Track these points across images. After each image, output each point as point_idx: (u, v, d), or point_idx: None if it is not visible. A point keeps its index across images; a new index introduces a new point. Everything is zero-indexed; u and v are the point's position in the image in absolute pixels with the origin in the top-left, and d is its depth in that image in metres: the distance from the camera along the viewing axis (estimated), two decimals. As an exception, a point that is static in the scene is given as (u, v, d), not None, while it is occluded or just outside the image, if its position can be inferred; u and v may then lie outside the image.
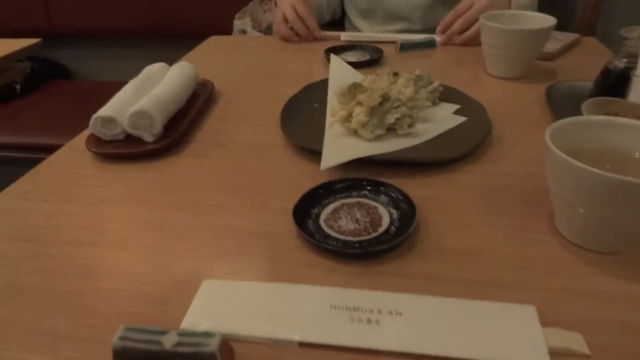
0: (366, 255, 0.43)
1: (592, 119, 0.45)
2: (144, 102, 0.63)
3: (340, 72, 0.80)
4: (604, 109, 0.60)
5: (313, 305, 0.38)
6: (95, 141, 0.64)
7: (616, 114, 0.59)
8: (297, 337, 0.35)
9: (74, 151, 0.65)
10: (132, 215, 0.51)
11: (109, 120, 0.63)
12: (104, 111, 0.63)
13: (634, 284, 0.40)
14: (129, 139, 0.64)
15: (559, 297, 0.39)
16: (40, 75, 1.91)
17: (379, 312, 0.37)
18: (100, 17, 1.88)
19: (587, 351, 0.34)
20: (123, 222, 0.50)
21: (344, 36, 1.07)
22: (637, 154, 0.43)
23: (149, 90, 0.69)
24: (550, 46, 0.88)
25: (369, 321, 0.36)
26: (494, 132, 0.63)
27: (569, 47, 0.94)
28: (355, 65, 0.87)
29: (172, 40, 1.72)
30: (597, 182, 0.38)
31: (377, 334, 0.35)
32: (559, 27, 0.78)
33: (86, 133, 0.66)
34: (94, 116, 0.63)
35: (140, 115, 0.62)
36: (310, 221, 0.47)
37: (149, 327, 0.34)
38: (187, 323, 0.37)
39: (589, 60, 0.89)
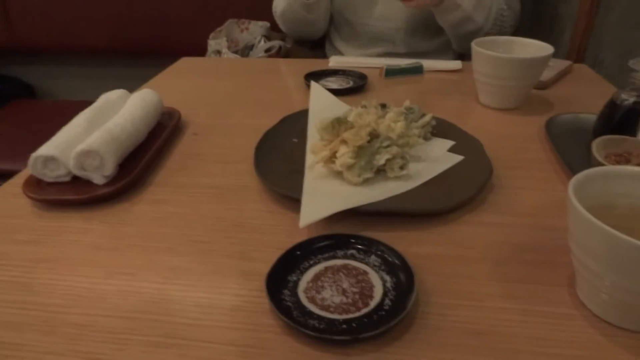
0: (355, 341, 0.35)
1: (623, 170, 0.38)
2: (94, 139, 0.54)
3: (321, 102, 0.73)
4: (615, 148, 0.55)
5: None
6: (35, 183, 0.55)
7: (629, 154, 0.54)
8: None
9: (9, 195, 0.55)
10: (67, 284, 0.42)
11: (51, 160, 0.54)
12: (45, 149, 0.54)
13: (683, 378, 0.33)
14: (77, 181, 0.55)
15: (595, 398, 0.31)
16: (1, 93, 1.79)
17: None
18: (68, 32, 1.76)
19: None
20: (55, 293, 0.41)
21: (333, 61, 0.99)
22: (677, 215, 0.36)
23: (103, 122, 0.60)
24: (544, 74, 0.83)
25: None
26: (493, 173, 0.56)
27: (561, 75, 0.89)
28: (338, 92, 0.80)
29: (144, 59, 1.63)
30: (629, 251, 0.31)
31: None
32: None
33: (26, 173, 0.57)
34: (33, 155, 0.53)
35: (87, 154, 0.53)
36: (286, 292, 0.39)
37: None
38: None
39: (583, 89, 0.84)
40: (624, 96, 0.60)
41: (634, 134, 0.56)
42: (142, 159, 0.59)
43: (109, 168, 0.54)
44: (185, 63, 1.05)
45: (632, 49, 0.59)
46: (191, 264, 0.44)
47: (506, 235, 0.47)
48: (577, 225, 0.35)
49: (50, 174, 0.55)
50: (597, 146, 0.54)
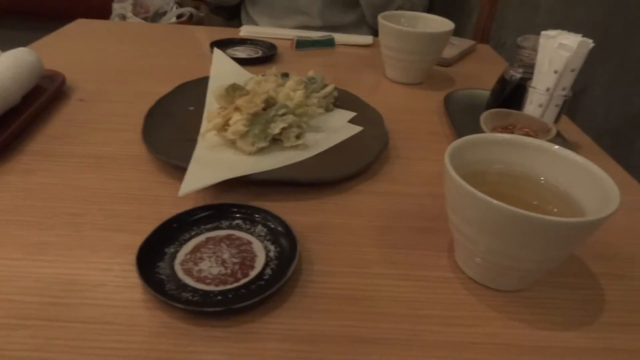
0: (230, 312, 0.33)
1: (495, 137, 0.40)
2: (-55, 100, 0.47)
3: (223, 70, 0.69)
4: (502, 121, 0.57)
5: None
6: None
7: (513, 126, 0.56)
8: None
9: None
10: None
11: None
12: None
13: (542, 330, 0.35)
14: None
15: (459, 356, 0.32)
16: None
17: (238, 401, 0.27)
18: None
19: None
20: None
21: (244, 31, 0.95)
22: (542, 179, 0.38)
23: (-37, 83, 0.53)
24: (448, 52, 0.85)
25: (222, 417, 0.26)
26: (390, 144, 0.57)
27: (465, 54, 0.92)
28: (245, 62, 0.76)
29: (38, 23, 1.47)
30: (498, 215, 0.32)
31: None
32: (454, 33, 0.74)
33: None
34: None
35: (-63, 117, 0.46)
36: (161, 265, 0.36)
37: None
38: None
39: (484, 68, 0.88)
40: (512, 72, 0.63)
41: (520, 108, 0.59)
42: (12, 125, 0.53)
43: (-33, 134, 0.48)
44: (80, 25, 0.96)
45: (530, 31, 0.62)
46: (57, 238, 0.40)
47: (395, 204, 0.47)
48: (451, 191, 0.36)
49: None
50: (485, 119, 0.56)
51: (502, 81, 0.64)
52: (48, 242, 0.39)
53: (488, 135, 0.40)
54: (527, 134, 0.55)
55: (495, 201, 0.32)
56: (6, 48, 0.63)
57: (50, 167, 0.49)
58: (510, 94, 0.62)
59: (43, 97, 0.60)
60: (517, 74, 0.62)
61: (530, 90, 0.58)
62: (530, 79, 0.59)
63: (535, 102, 0.57)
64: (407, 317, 0.35)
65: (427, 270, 0.39)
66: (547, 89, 0.56)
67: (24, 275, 0.36)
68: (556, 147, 0.38)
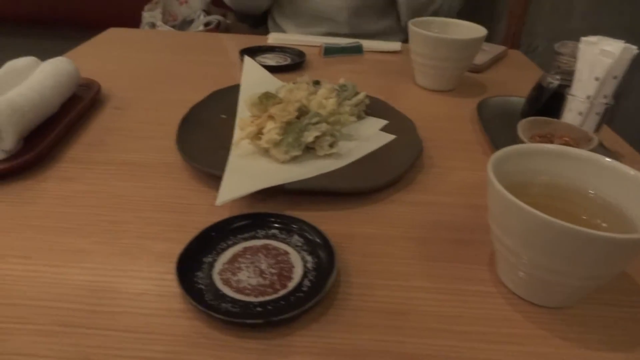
0: (270, 324, 0.33)
1: (541, 148, 0.38)
2: (-10, 109, 0.48)
3: (254, 77, 0.70)
4: (540, 129, 0.55)
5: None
6: None
7: (552, 135, 0.55)
8: None
9: None
10: (-52, 270, 0.37)
11: (-61, 131, 0.48)
12: None
13: (590, 350, 0.33)
14: (-29, 155, 0.49)
15: (506, 373, 0.31)
16: None
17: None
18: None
19: None
20: None
21: (272, 38, 0.96)
22: (591, 192, 0.37)
23: (5, 92, 0.54)
24: (479, 58, 0.84)
25: None
26: (424, 153, 0.56)
27: (496, 60, 0.90)
28: (274, 69, 0.76)
29: (71, 31, 1.51)
30: (543, 228, 0.31)
31: None
32: (484, 39, 0.73)
33: None
34: None
35: (-18, 126, 0.47)
36: (200, 274, 0.36)
37: None
38: None
39: (517, 74, 0.86)
40: (549, 79, 0.61)
41: (558, 116, 0.57)
42: (51, 133, 0.54)
43: (10, 142, 0.49)
44: (112, 34, 0.98)
45: (562, 37, 0.61)
46: (97, 246, 0.40)
47: (432, 215, 0.46)
48: (495, 202, 0.35)
49: (-61, 147, 0.48)
50: (523, 127, 0.54)
51: (539, 88, 0.62)
52: (87, 250, 0.40)
53: (533, 146, 0.39)
54: (566, 143, 0.53)
55: (541, 214, 0.31)
56: (41, 57, 0.65)
57: (87, 174, 0.50)
58: (548, 102, 0.61)
59: (80, 105, 0.61)
60: (554, 81, 0.61)
61: (570, 97, 0.56)
62: (568, 86, 0.57)
63: (575, 110, 0.55)
64: (449, 333, 0.34)
65: (468, 284, 0.38)
66: (588, 97, 0.55)
67: (65, 282, 0.36)
68: (607, 159, 0.36)
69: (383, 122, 0.60)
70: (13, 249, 0.39)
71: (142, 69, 0.80)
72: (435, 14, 1.04)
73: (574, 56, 0.57)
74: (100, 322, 0.33)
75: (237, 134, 0.54)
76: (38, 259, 0.38)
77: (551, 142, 0.54)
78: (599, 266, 0.32)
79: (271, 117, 0.51)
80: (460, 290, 0.38)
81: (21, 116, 0.50)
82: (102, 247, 0.40)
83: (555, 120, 0.56)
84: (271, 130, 0.49)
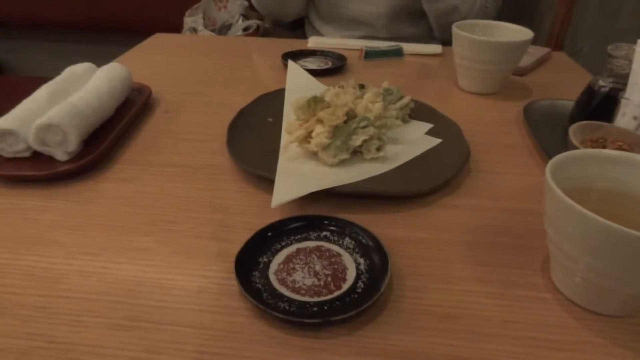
0: (327, 324, 0.34)
1: (600, 153, 0.38)
2: (55, 113, 0.51)
3: (298, 82, 0.71)
4: (592, 134, 0.54)
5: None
6: (-8, 158, 0.52)
7: (605, 139, 0.54)
8: None
9: (-37, 171, 0.52)
10: (22, 264, 0.39)
11: (9, 134, 0.51)
12: (2, 122, 0.51)
13: (652, 361, 0.33)
14: (37, 156, 0.52)
15: (565, 381, 0.31)
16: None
17: (344, 414, 0.28)
18: (39, 5, 1.68)
19: None
20: (8, 273, 0.38)
21: (312, 42, 0.97)
22: (653, 200, 0.36)
23: (66, 96, 0.57)
24: (523, 60, 0.83)
25: None
26: (470, 157, 0.55)
27: (540, 62, 0.89)
28: (316, 73, 0.78)
29: (117, 36, 1.57)
30: (604, 234, 0.31)
31: None
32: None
33: (-18, 148, 0.53)
34: (-11, 128, 0.50)
35: (48, 128, 0.50)
36: (257, 273, 0.38)
37: None
38: None
39: (562, 77, 0.84)
40: (601, 82, 0.60)
41: (610, 121, 0.56)
42: (109, 135, 0.56)
43: (72, 144, 0.51)
44: (158, 39, 1.01)
45: (610, 38, 0.59)
46: (157, 245, 0.42)
47: (481, 219, 0.46)
48: (553, 207, 0.35)
49: (8, 149, 0.51)
50: (574, 131, 0.53)
51: (589, 92, 0.61)
52: (149, 248, 0.42)
53: (591, 151, 0.38)
54: (620, 148, 0.52)
55: (600, 218, 0.30)
56: (92, 61, 0.68)
57: (143, 175, 0.52)
58: (599, 106, 0.59)
59: (133, 109, 0.64)
60: (606, 84, 0.59)
61: (623, 101, 0.55)
62: (622, 89, 0.56)
63: (629, 115, 0.54)
64: (505, 338, 0.34)
65: (522, 290, 0.38)
66: (643, 101, 0.53)
67: (130, 278, 0.38)
68: (670, 164, 0.35)
69: (428, 126, 0.60)
70: (82, 246, 0.41)
71: (188, 73, 0.82)
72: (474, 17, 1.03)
73: (628, 59, 0.56)
74: (166, 318, 0.35)
75: (285, 137, 0.55)
76: (104, 256, 0.40)
77: (604, 146, 0.53)
78: (660, 275, 0.32)
79: (320, 121, 0.52)
80: (514, 295, 0.37)
81: (83, 119, 0.53)
82: (162, 246, 0.42)
83: (607, 124, 0.55)
84: (320, 134, 0.50)
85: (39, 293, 0.37)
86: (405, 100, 0.61)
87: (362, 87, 0.62)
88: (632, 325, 0.35)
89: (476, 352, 0.33)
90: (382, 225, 0.44)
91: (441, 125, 0.60)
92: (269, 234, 0.40)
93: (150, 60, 0.89)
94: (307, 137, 0.52)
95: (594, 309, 0.36)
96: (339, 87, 0.62)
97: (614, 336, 0.34)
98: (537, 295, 0.38)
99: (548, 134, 0.60)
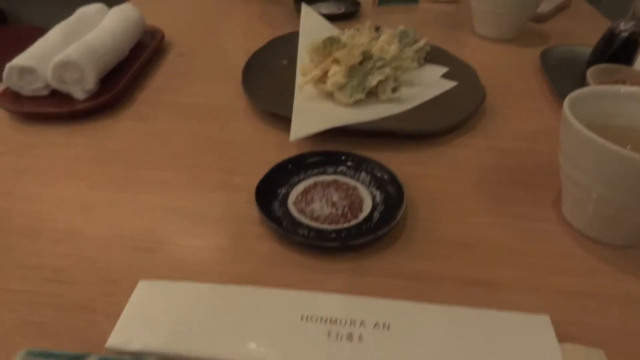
0: (345, 248, 0.35)
1: (618, 90, 0.38)
2: (72, 51, 0.51)
3: (312, 26, 0.70)
4: (610, 77, 0.54)
5: (279, 317, 0.30)
6: (12, 96, 0.52)
7: (623, 82, 0.53)
8: (259, 359, 0.28)
9: (-16, 108, 0.53)
10: (51, 193, 0.41)
11: (27, 71, 0.51)
12: (21, 59, 0.51)
13: (657, 286, 0.34)
14: (55, 95, 0.53)
15: (571, 302, 0.33)
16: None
17: (362, 324, 0.29)
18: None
19: (612, 373, 0.28)
20: (39, 201, 0.40)
21: None
22: (669, 134, 0.36)
23: (80, 36, 0.57)
24: (542, 7, 0.81)
25: (349, 337, 0.29)
26: (486, 100, 0.55)
27: (560, 9, 0.86)
28: (330, 18, 0.76)
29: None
30: (620, 163, 0.31)
31: (361, 353, 0.28)
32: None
33: (1, 87, 0.54)
34: (9, 65, 0.51)
35: (66, 66, 0.50)
36: (276, 203, 0.39)
37: (60, 350, 0.26)
38: (115, 339, 0.29)
39: (581, 24, 0.82)
40: (622, 26, 0.59)
41: (629, 64, 0.55)
42: (125, 75, 0.57)
43: (90, 82, 0.52)
44: (168, -16, 0.99)
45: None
46: (177, 178, 0.43)
47: (494, 159, 0.47)
48: (569, 138, 0.35)
49: (27, 87, 0.52)
50: (592, 74, 0.53)
51: (609, 36, 0.60)
52: (170, 181, 0.43)
53: (609, 87, 0.38)
54: (638, 91, 0.51)
55: (615, 146, 0.31)
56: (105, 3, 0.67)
57: (159, 115, 0.53)
58: (618, 50, 0.58)
59: (147, 50, 0.64)
60: (627, 28, 0.58)
61: (644, 43, 0.54)
62: (643, 32, 0.55)
63: (649, 57, 0.53)
64: (515, 264, 0.35)
65: (533, 222, 0.39)
66: (664, 43, 0.52)
67: (154, 207, 0.40)
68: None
69: (443, 69, 0.60)
70: (105, 178, 0.43)
71: (201, 17, 0.82)
72: None
73: (651, 0, 0.54)
74: (189, 242, 0.36)
75: (300, 78, 0.55)
76: (127, 187, 0.42)
77: (621, 89, 0.52)
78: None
79: (336, 61, 0.52)
80: (525, 227, 0.39)
81: (99, 58, 0.54)
82: (182, 179, 0.43)
83: (626, 67, 0.54)
84: (336, 74, 0.50)
85: (68, 219, 0.38)
86: (421, 43, 0.61)
87: (377, 29, 0.62)
88: (638, 254, 0.36)
89: (486, 275, 0.34)
90: (397, 162, 0.45)
91: (457, 69, 0.60)
92: (289, 166, 0.41)
93: (162, 3, 0.87)
94: (322, 78, 0.52)
95: (604, 239, 0.37)
96: (355, 29, 0.61)
97: (621, 264, 0.36)
98: (548, 227, 0.39)
99: (565, 79, 0.60)
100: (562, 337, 0.29)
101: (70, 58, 0.50)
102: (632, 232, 0.36)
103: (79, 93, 0.52)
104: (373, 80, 0.51)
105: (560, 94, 0.56)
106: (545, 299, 0.33)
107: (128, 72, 0.57)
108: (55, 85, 0.52)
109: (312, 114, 0.49)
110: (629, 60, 0.56)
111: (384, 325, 0.29)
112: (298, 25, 0.71)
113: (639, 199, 0.33)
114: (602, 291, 0.33)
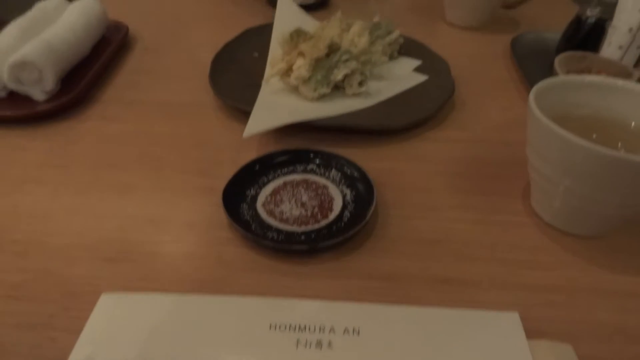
0: (314, 250, 0.35)
1: (583, 80, 0.38)
2: (28, 50, 0.49)
3: (288, 17, 0.68)
4: (577, 65, 0.54)
5: (247, 327, 0.29)
6: (-34, 100, 0.50)
7: (589, 70, 0.54)
8: (226, 371, 0.27)
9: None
10: (9, 201, 0.39)
11: (-19, 73, 0.49)
12: (-27, 60, 0.49)
13: (622, 275, 0.34)
14: (14, 96, 0.51)
15: (540, 296, 0.33)
16: None
17: (332, 330, 0.29)
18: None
19: (579, 367, 0.28)
20: (-4, 211, 0.38)
21: None
22: (633, 124, 0.37)
23: (38, 33, 0.54)
24: (512, -8, 0.80)
25: (319, 344, 0.28)
26: (456, 91, 0.55)
27: (530, -6, 0.86)
28: (304, 9, 0.74)
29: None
30: (585, 156, 0.32)
31: (330, 360, 0.28)
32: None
33: (-45, 89, 0.52)
34: (-40, 67, 0.48)
35: (23, 66, 0.48)
36: (244, 206, 0.38)
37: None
38: (76, 357, 0.28)
39: (552, 10, 0.82)
40: (589, 12, 0.59)
41: (596, 51, 0.55)
42: (87, 74, 0.54)
43: (49, 82, 0.50)
44: (133, -26, 0.96)
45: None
46: (143, 181, 0.42)
47: (465, 151, 0.47)
48: (536, 132, 0.35)
49: (-18, 89, 0.50)
50: (560, 62, 0.53)
51: (577, 22, 0.60)
52: (135, 185, 0.42)
53: (575, 77, 0.38)
54: (604, 78, 0.52)
55: (578, 138, 0.31)
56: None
57: (124, 114, 0.51)
58: (586, 36, 0.59)
59: (111, 46, 0.61)
60: (594, 14, 0.58)
61: (610, 30, 0.54)
62: (609, 19, 0.55)
63: (615, 44, 0.54)
64: (485, 260, 0.35)
65: (503, 215, 0.39)
66: (630, 29, 0.53)
67: (119, 214, 0.38)
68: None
69: (416, 63, 0.59)
70: (67, 184, 0.41)
71: (168, 10, 0.79)
72: None
73: (617, -14, 0.54)
74: (156, 249, 0.35)
75: (268, 71, 0.54)
76: (91, 193, 0.40)
77: (589, 77, 0.53)
78: (635, 194, 0.33)
79: (301, 54, 0.51)
80: (494, 220, 0.39)
81: (59, 57, 0.51)
82: (149, 182, 0.42)
83: (592, 54, 0.54)
84: (300, 67, 0.49)
85: (28, 229, 0.37)
86: (394, 35, 0.60)
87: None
88: (606, 245, 0.37)
89: (457, 272, 0.34)
90: (366, 158, 0.44)
91: (429, 61, 0.59)
92: (257, 167, 0.40)
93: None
94: (288, 71, 0.51)
95: (571, 230, 0.38)
96: (327, 21, 0.60)
97: (589, 255, 0.36)
98: (517, 219, 0.39)
99: (535, 66, 0.60)
100: (531, 333, 0.29)
101: (26, 58, 0.48)
102: (599, 223, 0.37)
103: (38, 94, 0.50)
104: (339, 74, 0.50)
105: (530, 82, 0.56)
106: (515, 295, 0.33)
107: (90, 70, 0.55)
108: (13, 86, 0.49)
109: (274, 109, 0.48)
110: (596, 47, 0.56)
111: (353, 330, 0.29)
112: (273, 16, 0.69)
113: (605, 191, 0.33)
114: (570, 284, 0.34)
